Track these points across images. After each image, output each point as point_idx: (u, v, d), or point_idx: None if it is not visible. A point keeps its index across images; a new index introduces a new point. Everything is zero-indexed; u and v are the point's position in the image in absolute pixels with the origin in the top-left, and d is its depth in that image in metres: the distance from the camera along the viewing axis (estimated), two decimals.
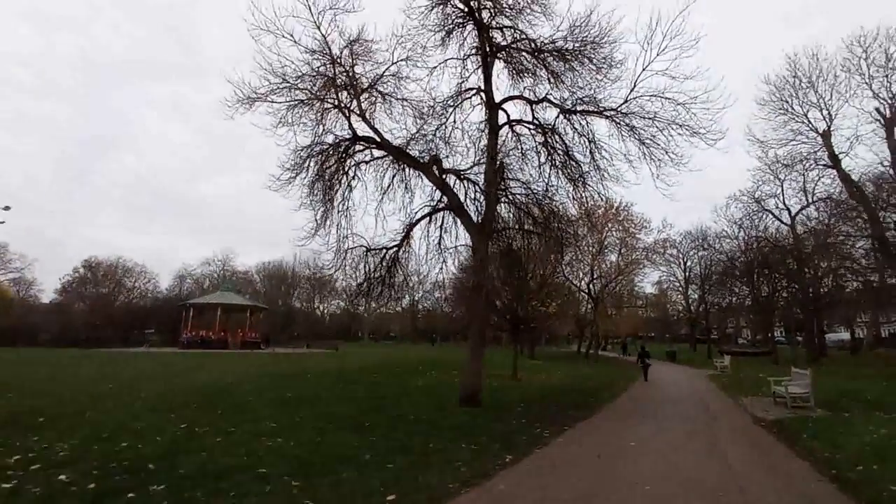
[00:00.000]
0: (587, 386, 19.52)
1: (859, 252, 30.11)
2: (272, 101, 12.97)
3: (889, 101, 24.61)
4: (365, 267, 13.57)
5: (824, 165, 27.26)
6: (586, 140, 13.40)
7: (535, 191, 14.36)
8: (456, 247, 14.98)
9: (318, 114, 14.03)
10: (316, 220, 13.28)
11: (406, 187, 14.54)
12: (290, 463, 6.71)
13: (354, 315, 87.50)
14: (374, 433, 8.90)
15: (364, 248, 13.64)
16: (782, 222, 37.69)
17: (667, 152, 12.48)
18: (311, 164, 13.43)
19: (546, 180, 13.99)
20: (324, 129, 14.08)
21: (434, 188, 14.14)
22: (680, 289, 57.63)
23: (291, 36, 12.96)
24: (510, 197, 14.62)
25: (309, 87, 13.56)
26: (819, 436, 9.09)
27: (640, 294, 58.87)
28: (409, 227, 14.05)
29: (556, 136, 13.72)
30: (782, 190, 37.61)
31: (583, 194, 13.70)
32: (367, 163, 14.44)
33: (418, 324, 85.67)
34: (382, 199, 14.16)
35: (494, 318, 22.46)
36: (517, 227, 14.75)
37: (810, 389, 12.85)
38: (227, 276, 77.93)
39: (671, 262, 51.84)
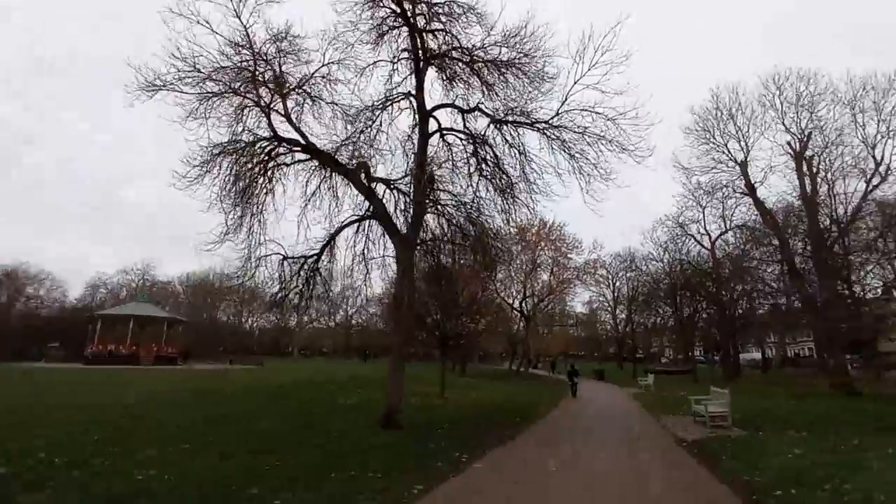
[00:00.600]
0: (515, 405, 19.11)
1: (771, 276, 31.88)
2: (179, 91, 11.81)
3: (799, 136, 26.30)
4: (281, 277, 12.52)
5: (741, 193, 28.71)
6: (517, 152, 13.15)
7: (465, 203, 13.89)
8: (383, 257, 14.21)
9: (238, 111, 12.98)
10: (226, 223, 12.14)
11: (334, 194, 13.67)
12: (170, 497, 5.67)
13: (284, 330, 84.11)
14: (280, 460, 7.94)
15: (281, 257, 12.59)
16: (703, 247, 39.51)
17: (595, 167, 12.39)
18: (224, 162, 12.32)
19: (475, 190, 13.56)
20: (243, 128, 13.04)
21: (363, 197, 13.37)
22: (609, 309, 59.26)
23: (208, 23, 11.93)
24: (439, 208, 14.09)
25: (227, 80, 12.52)
26: (738, 457, 8.95)
27: (571, 313, 60.08)
28: (332, 236, 13.17)
29: (487, 147, 13.37)
30: (703, 216, 39.51)
31: (511, 207, 13.35)
32: (287, 165, 13.47)
33: (351, 340, 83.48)
34: (307, 205, 13.24)
35: (423, 334, 21.73)
36: (446, 240, 14.21)
37: (728, 409, 12.95)
38: (147, 286, 73.00)
39: (601, 282, 53.22)
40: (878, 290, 30.59)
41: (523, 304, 40.04)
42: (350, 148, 13.66)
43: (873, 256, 25.91)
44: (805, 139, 26.05)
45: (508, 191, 13.14)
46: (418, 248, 13.59)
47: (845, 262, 25.29)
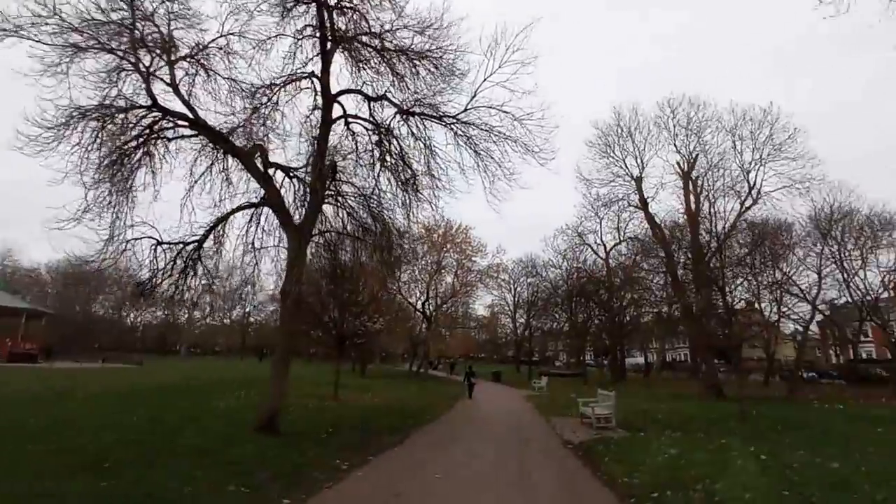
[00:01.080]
0: (410, 407, 18.63)
1: (657, 285, 34.21)
2: (35, 40, 10.07)
3: (687, 158, 28.44)
4: (152, 264, 11.08)
5: (635, 207, 30.50)
6: (422, 145, 12.69)
7: (368, 196, 13.21)
8: (277, 246, 13.13)
9: (113, 73, 11.35)
10: (86, 199, 10.49)
11: (226, 178, 12.40)
12: None
13: (172, 326, 77.84)
14: (119, 476, 6.72)
15: (154, 241, 11.15)
16: (599, 256, 41.63)
17: (500, 166, 12.26)
18: (89, 128, 10.68)
19: (376, 181, 12.93)
20: (118, 93, 11.43)
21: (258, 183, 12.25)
22: (509, 313, 60.84)
23: None
24: (340, 200, 13.30)
25: (100, 35, 10.88)
26: (620, 458, 9.06)
27: (473, 316, 60.91)
28: (219, 221, 11.90)
29: (392, 138, 12.77)
30: (600, 227, 41.71)
31: (413, 201, 12.86)
32: (169, 140, 12.01)
33: (248, 338, 78.88)
34: (192, 188, 11.88)
35: (319, 332, 20.68)
36: (345, 234, 13.44)
37: (613, 411, 13.34)
38: (6, 273, 64.27)
39: (503, 286, 54.44)
40: (743, 303, 33.83)
41: (426, 305, 39.84)
42: (247, 129, 12.49)
43: (743, 271, 28.60)
44: (692, 160, 28.19)
45: (411, 184, 12.64)
46: (315, 240, 12.73)
47: (721, 274, 27.59)
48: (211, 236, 11.91)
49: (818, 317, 30.84)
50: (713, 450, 10.00)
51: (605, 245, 41.74)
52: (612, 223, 40.55)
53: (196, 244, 11.66)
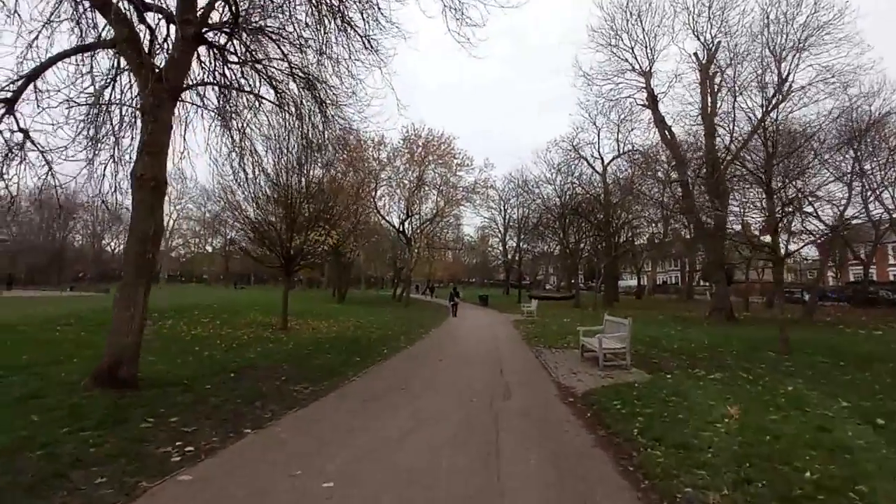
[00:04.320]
0: (368, 337, 15.06)
1: (658, 202, 30.21)
2: None
3: (707, 45, 23.40)
4: None
5: (643, 105, 25.79)
6: None
7: (275, 34, 8.72)
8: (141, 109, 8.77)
9: None
10: None
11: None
12: None
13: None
14: None
15: None
16: (596, 171, 37.29)
17: None
18: None
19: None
20: None
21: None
22: (499, 235, 57.12)
23: None
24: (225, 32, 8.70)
25: None
26: (655, 429, 5.37)
27: (462, 238, 57.24)
28: (38, 70, 7.47)
29: None
30: (598, 138, 37.20)
31: (338, 36, 8.43)
32: None
33: (232, 265, 75.05)
34: None
35: (264, 250, 16.67)
36: (240, 88, 9.06)
37: (628, 344, 9.64)
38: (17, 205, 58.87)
39: (492, 207, 50.31)
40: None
41: (407, 225, 35.75)
42: None
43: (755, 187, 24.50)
44: (713, 49, 23.17)
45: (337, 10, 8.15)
46: (192, 95, 8.43)
47: (735, 186, 23.48)
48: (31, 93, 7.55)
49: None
50: (786, 404, 6.40)
51: (602, 159, 37.33)
52: (611, 133, 36.08)
53: (3, 103, 7.32)
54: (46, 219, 61.67)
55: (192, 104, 9.45)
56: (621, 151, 35.07)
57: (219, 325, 15.53)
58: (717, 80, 23.32)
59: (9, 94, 7.32)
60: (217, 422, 5.70)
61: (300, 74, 9.48)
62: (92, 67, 7.87)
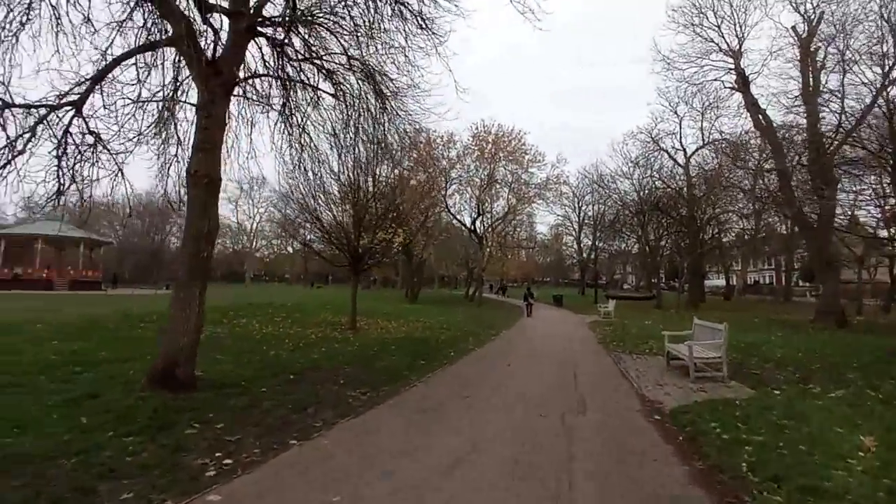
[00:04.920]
0: (440, 337, 14.52)
1: (749, 195, 27.48)
2: None
3: (807, 17, 20.76)
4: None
5: (731, 88, 23.43)
6: None
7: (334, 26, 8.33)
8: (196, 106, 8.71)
9: None
10: None
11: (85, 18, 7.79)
12: None
13: (241, 254, 78.45)
14: None
15: None
16: (677, 163, 34.80)
17: None
18: None
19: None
20: None
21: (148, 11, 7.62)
22: (573, 233, 55.02)
23: None
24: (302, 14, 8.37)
25: None
26: (767, 462, 4.31)
27: (535, 237, 55.73)
28: (103, 72, 7.52)
29: None
30: (680, 128, 34.53)
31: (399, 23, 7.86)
32: None
33: (311, 265, 77.98)
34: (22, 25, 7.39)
35: (333, 249, 16.61)
36: (299, 81, 8.74)
37: (725, 353, 8.34)
38: (87, 206, 65.29)
39: (566, 204, 48.47)
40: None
41: (480, 223, 35.03)
42: None
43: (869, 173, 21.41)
44: (816, 20, 20.55)
45: None
46: (242, 88, 8.19)
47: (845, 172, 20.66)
48: (97, 95, 7.62)
49: None
50: None
51: (685, 150, 34.76)
52: (694, 122, 33.42)
53: (71, 105, 7.42)
54: (147, 222, 67.28)
55: (257, 101, 9.31)
56: (706, 141, 32.42)
57: (290, 324, 15.62)
58: (821, 54, 20.67)
59: (76, 97, 7.39)
60: (264, 429, 5.30)
61: (358, 66, 9.06)
62: (155, 67, 7.82)
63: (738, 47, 22.57)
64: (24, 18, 7.10)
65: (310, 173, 10.38)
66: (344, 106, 9.19)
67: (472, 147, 32.43)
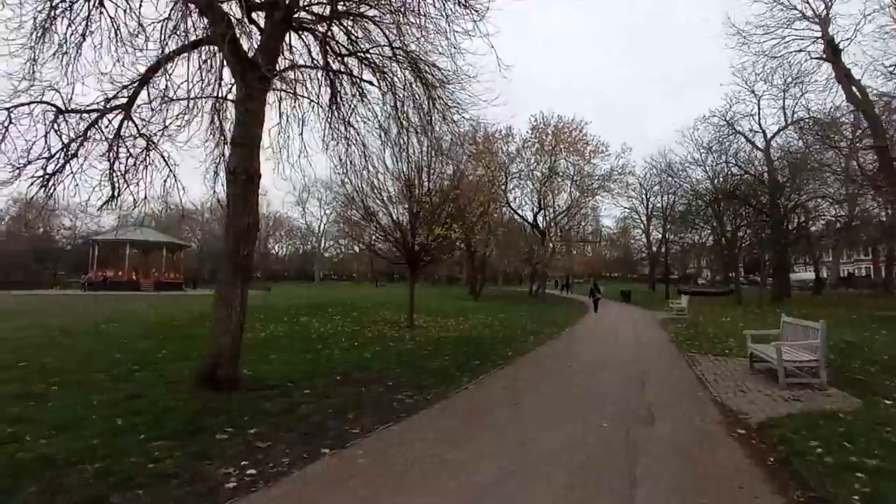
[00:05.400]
0: (499, 335, 13.93)
1: (842, 177, 24.66)
2: None
3: None
4: (47, 141, 7.09)
5: (818, 59, 21.02)
6: None
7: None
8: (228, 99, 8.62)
9: None
10: None
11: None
12: None
13: (311, 254, 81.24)
14: None
15: (53, 110, 7.11)
16: (756, 147, 31.95)
17: None
18: None
19: None
20: None
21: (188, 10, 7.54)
22: (641, 226, 52.31)
23: None
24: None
25: None
26: (888, 497, 3.41)
27: (601, 231, 53.56)
28: (148, 74, 7.54)
29: None
30: (758, 108, 31.62)
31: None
32: None
33: (377, 264, 79.37)
34: (88, 27, 7.47)
35: (390, 246, 16.42)
36: (343, 70, 8.42)
37: (822, 355, 7.16)
38: (171, 212, 70.10)
39: (633, 196, 46.08)
40: None
41: (542, 217, 33.89)
42: None
43: None
44: None
45: None
46: (290, 86, 7.97)
47: None
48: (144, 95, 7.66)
49: None
50: None
51: (764, 132, 31.82)
52: (775, 100, 30.55)
53: (120, 109, 7.48)
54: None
55: (305, 97, 9.12)
56: (789, 120, 29.51)
57: (348, 322, 15.56)
58: None
59: (124, 100, 7.44)
60: (297, 436, 4.96)
61: (402, 55, 8.65)
62: (204, 68, 7.77)
63: (824, 13, 20.18)
64: (84, 29, 7.28)
65: (358, 168, 10.15)
66: (391, 96, 8.81)
67: (531, 140, 31.43)
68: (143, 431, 4.79)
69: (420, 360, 9.62)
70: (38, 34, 6.87)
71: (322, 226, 74.54)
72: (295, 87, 9.04)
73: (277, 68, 7.44)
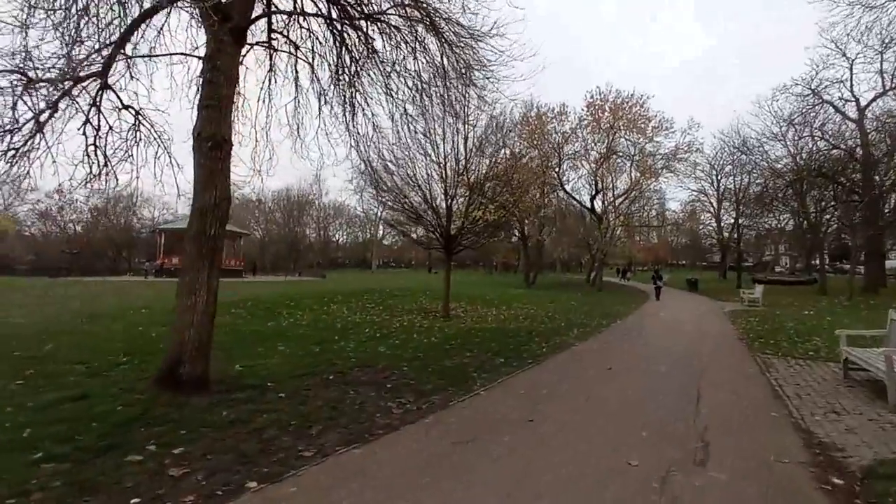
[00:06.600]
0: (538, 328, 12.46)
1: None
2: None
3: None
4: (14, 113, 6.38)
5: None
6: None
7: None
8: (202, 59, 7.75)
9: None
10: None
11: None
12: None
13: (369, 242, 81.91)
14: None
15: (21, 79, 6.38)
16: (846, 117, 27.92)
17: None
18: None
19: None
20: None
21: None
22: (711, 209, 47.99)
23: None
24: None
25: None
26: None
27: (666, 215, 49.77)
28: (126, 36, 6.69)
29: None
30: (851, 73, 27.56)
31: None
32: None
33: (433, 251, 78.80)
34: None
35: (427, 232, 15.29)
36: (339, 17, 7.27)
37: None
38: (236, 202, 72.69)
39: (701, 177, 42.23)
40: None
41: (600, 201, 31.54)
42: None
43: None
44: None
45: None
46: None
47: None
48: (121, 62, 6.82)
49: None
50: None
51: (857, 100, 27.73)
52: (870, 64, 26.47)
53: (95, 77, 6.68)
54: (285, 214, 72.80)
55: (303, 60, 8.04)
56: (888, 86, 25.45)
57: (380, 310, 14.61)
58: None
59: (99, 67, 6.61)
60: (232, 459, 3.87)
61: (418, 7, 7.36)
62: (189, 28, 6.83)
63: None
64: None
65: (382, 144, 9.09)
66: (412, 60, 7.58)
67: (586, 117, 29.07)
68: (45, 447, 3.85)
69: (438, 356, 8.38)
70: None
71: (379, 213, 74.83)
72: (290, 37, 7.96)
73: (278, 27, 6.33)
